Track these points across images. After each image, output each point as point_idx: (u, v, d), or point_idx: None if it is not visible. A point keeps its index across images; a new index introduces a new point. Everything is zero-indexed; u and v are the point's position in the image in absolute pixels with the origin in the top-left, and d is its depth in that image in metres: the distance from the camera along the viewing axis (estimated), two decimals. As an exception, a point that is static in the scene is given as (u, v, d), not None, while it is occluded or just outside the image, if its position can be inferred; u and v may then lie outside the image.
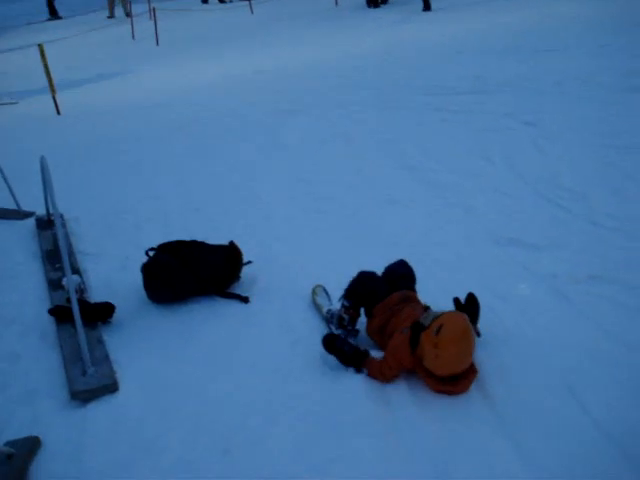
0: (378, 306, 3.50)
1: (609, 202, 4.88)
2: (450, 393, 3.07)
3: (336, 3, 17.54)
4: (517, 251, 4.33)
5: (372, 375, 3.23)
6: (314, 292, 4.03)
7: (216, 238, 4.53)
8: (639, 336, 3.35)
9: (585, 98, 7.34)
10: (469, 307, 3.31)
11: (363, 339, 3.59)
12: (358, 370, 3.27)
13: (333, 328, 3.66)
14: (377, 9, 15.96)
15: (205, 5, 20.83)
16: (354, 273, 3.84)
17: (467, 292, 3.38)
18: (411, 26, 13.24)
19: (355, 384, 3.22)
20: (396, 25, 13.58)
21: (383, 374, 3.20)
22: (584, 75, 8.11)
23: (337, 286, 3.88)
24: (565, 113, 6.96)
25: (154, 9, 15.77)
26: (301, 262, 4.51)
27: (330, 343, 3.36)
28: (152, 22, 15.38)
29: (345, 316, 3.61)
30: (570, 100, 7.34)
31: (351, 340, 3.51)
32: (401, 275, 3.66)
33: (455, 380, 3.07)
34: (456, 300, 3.34)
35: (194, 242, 4.28)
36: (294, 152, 6.92)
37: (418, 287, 3.72)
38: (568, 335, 3.44)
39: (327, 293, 4.03)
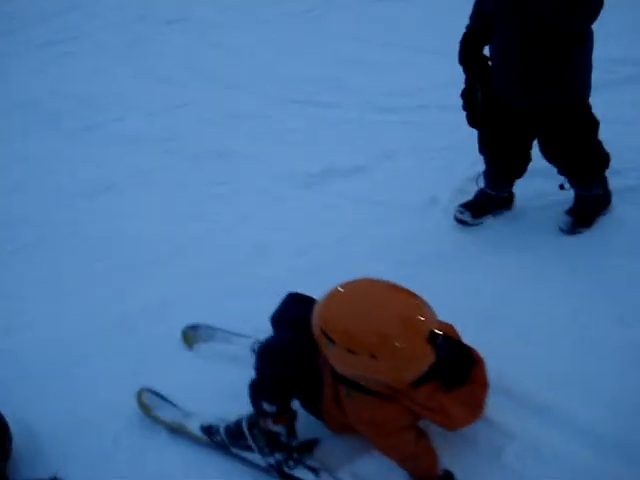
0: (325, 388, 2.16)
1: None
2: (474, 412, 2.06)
3: None
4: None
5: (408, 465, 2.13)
6: (141, 403, 2.49)
7: None
8: None
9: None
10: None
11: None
12: None
13: (258, 458, 2.22)
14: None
15: None
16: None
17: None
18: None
19: None
20: None
21: (401, 451, 2.10)
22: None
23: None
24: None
25: None
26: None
27: None
28: None
29: (278, 428, 2.19)
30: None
31: (310, 465, 2.20)
32: (308, 319, 2.03)
33: (460, 382, 2.00)
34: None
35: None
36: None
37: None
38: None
39: (160, 395, 2.54)
